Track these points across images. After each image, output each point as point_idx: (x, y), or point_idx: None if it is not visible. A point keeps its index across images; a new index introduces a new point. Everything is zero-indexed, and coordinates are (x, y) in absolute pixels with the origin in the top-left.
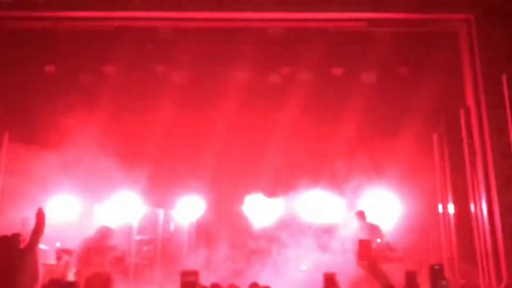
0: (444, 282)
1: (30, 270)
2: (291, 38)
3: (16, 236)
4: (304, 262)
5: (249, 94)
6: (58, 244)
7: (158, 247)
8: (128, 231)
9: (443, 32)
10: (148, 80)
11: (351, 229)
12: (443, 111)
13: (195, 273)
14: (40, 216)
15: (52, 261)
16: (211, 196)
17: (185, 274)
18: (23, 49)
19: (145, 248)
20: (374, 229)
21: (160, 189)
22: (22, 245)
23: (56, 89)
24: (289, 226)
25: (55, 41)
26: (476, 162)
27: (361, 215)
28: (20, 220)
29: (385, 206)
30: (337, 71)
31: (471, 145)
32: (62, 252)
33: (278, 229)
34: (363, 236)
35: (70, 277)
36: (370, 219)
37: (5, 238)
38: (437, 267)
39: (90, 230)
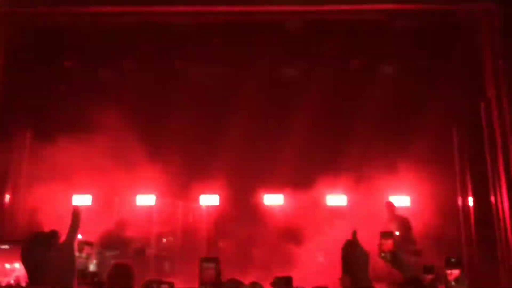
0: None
1: (66, 267)
2: (310, 31)
3: (53, 233)
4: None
5: (267, 89)
6: (79, 236)
7: (178, 239)
8: (147, 223)
9: (464, 23)
10: (166, 75)
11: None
12: (463, 103)
13: (215, 260)
14: (76, 214)
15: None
16: (229, 190)
17: (204, 260)
18: (43, 45)
19: (164, 240)
20: (403, 221)
21: (180, 181)
22: (59, 241)
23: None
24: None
25: (75, 37)
26: (497, 154)
27: (389, 206)
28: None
29: (403, 200)
30: (354, 63)
31: (491, 137)
32: (83, 244)
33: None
34: (393, 227)
35: (92, 268)
36: (399, 210)
37: (42, 234)
38: (453, 259)
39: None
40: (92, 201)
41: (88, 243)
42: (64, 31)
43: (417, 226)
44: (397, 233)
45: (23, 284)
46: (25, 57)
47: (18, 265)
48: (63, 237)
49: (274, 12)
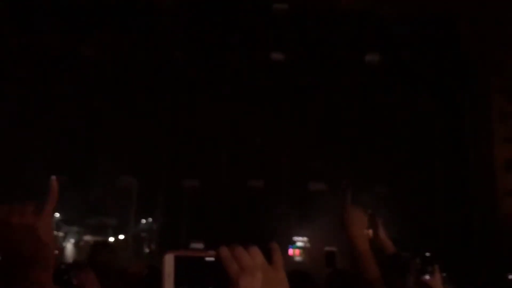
0: (430, 269)
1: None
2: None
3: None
4: None
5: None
6: (57, 215)
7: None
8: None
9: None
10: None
11: None
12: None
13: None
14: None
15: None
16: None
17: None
18: None
19: (143, 221)
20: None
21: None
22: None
23: None
24: None
25: None
26: None
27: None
28: None
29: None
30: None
31: None
32: (61, 223)
33: None
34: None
35: (69, 247)
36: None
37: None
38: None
39: None
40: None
41: (66, 222)
42: None
43: None
44: None
45: None
46: None
47: None
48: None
49: None
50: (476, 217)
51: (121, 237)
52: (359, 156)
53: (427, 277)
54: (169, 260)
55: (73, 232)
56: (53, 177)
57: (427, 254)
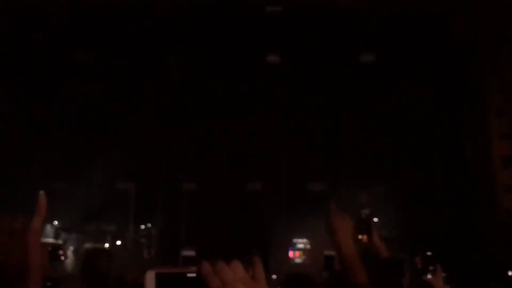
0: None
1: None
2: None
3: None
4: None
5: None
6: (56, 223)
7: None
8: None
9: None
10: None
11: None
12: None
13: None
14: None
15: (50, 239)
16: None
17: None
18: None
19: (142, 226)
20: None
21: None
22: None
23: None
24: None
25: None
26: None
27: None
28: None
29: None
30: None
31: None
32: (60, 230)
33: None
34: None
35: (69, 254)
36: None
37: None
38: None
39: None
40: None
41: (65, 229)
42: None
43: None
44: None
45: None
46: None
47: None
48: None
49: None
50: (475, 213)
51: (120, 243)
52: (357, 155)
53: (429, 276)
54: (150, 278)
55: (72, 239)
56: (41, 192)
57: (429, 253)
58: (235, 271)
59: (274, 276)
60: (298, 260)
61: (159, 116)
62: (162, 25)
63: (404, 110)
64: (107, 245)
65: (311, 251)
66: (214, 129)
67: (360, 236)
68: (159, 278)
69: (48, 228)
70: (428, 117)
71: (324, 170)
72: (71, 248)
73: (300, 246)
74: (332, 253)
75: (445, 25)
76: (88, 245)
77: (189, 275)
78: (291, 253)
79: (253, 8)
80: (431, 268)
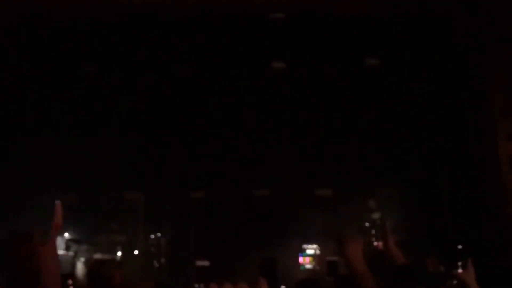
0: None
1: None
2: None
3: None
4: None
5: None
6: (66, 234)
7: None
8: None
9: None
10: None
11: None
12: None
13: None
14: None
15: (61, 251)
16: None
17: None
18: None
19: (152, 236)
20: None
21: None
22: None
23: None
24: None
25: None
26: None
27: None
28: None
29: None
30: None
31: None
32: (71, 242)
33: None
34: None
35: (79, 266)
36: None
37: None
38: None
39: None
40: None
41: (76, 241)
42: None
43: None
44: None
45: None
46: None
47: None
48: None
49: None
50: (483, 215)
51: (137, 252)
52: (363, 159)
53: (459, 270)
54: None
55: (83, 251)
56: (57, 202)
57: (459, 246)
58: None
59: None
60: (308, 266)
61: (165, 124)
62: (165, 33)
63: (409, 113)
64: (119, 253)
65: (321, 257)
66: (220, 136)
67: (376, 243)
68: None
69: (59, 240)
70: (433, 119)
71: (331, 175)
72: (82, 259)
73: (310, 252)
74: (335, 258)
75: (449, 25)
76: (98, 256)
77: None
78: (301, 259)
79: (255, 15)
80: (462, 262)
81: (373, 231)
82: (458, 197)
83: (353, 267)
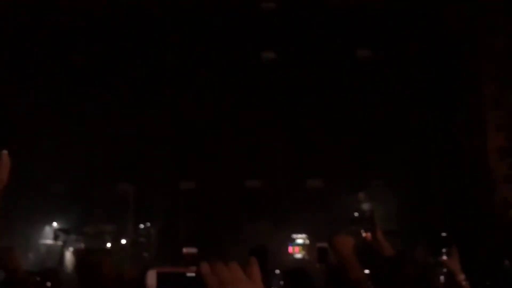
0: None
1: None
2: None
3: None
4: None
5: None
6: (54, 224)
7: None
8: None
9: None
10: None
11: None
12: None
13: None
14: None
15: (49, 240)
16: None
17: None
18: None
19: (142, 226)
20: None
21: None
22: None
23: None
24: None
25: None
26: None
27: None
28: None
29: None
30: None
31: None
32: (59, 232)
33: None
34: None
35: (68, 256)
36: None
37: None
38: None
39: None
40: None
41: (64, 231)
42: None
43: None
44: None
45: None
46: None
47: None
48: None
49: None
50: (473, 204)
51: (124, 241)
52: (354, 150)
53: (444, 257)
54: (151, 277)
55: (71, 241)
56: (4, 152)
57: (443, 234)
58: (233, 271)
59: (277, 271)
60: (298, 256)
61: (155, 114)
62: (157, 23)
63: (399, 104)
64: (109, 245)
65: (310, 246)
66: (211, 127)
67: (364, 234)
68: (160, 277)
69: (47, 230)
70: (423, 109)
71: (322, 166)
72: (70, 249)
73: (299, 241)
74: (325, 245)
75: (439, 16)
76: (83, 246)
77: (188, 274)
78: (290, 249)
79: (247, 5)
80: (444, 250)
81: (362, 222)
82: (447, 186)
83: (349, 272)
